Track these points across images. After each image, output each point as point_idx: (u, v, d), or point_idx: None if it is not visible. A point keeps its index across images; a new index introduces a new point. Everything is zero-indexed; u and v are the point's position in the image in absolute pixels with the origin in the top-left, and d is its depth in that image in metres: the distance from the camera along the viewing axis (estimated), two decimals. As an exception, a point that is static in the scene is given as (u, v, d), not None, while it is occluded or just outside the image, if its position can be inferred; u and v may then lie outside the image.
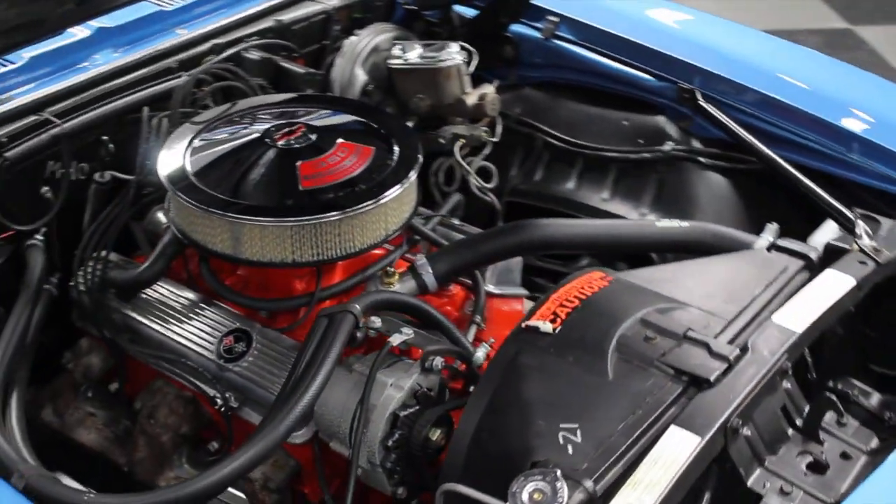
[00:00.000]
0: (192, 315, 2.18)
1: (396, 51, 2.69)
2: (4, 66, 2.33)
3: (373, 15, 2.92)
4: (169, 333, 2.16)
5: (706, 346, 1.77)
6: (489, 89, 2.67)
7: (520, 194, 2.80)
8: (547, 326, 1.83)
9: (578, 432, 1.65)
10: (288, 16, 2.75)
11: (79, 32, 2.44)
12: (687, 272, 2.04)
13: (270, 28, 2.70)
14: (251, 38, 2.63)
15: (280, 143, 2.17)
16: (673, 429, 1.64)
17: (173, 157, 2.17)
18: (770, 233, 2.14)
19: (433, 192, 2.77)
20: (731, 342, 1.79)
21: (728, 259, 2.09)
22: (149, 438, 2.20)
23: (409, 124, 2.73)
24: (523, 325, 1.85)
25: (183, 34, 2.59)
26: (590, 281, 1.95)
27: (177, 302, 2.21)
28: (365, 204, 2.05)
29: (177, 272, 2.28)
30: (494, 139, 2.70)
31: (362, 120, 2.32)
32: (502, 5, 2.79)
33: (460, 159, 2.67)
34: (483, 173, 2.75)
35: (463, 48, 2.66)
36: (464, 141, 2.68)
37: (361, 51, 2.73)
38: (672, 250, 2.28)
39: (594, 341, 1.79)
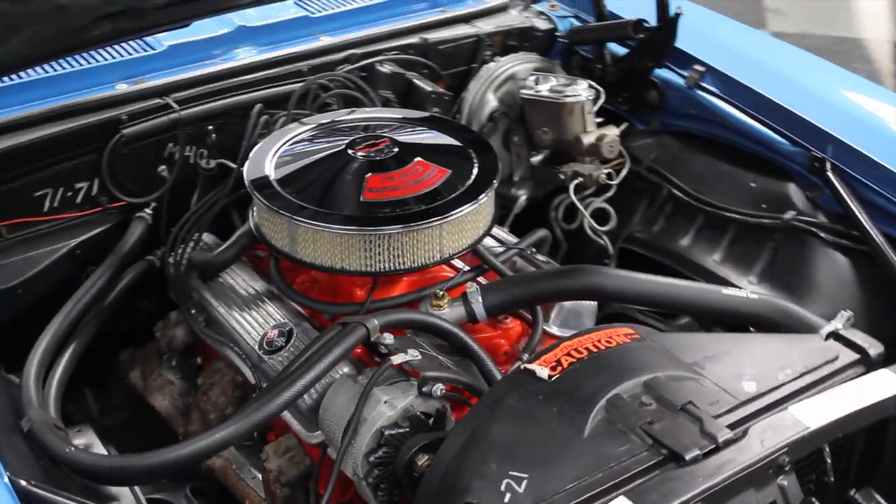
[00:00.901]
0: (255, 305, 2.27)
1: (530, 81, 2.69)
2: (145, 51, 2.53)
3: (530, 45, 2.92)
4: (230, 319, 2.27)
5: (700, 422, 1.67)
6: (611, 131, 2.62)
7: (635, 242, 2.71)
8: (543, 372, 1.79)
9: (525, 482, 1.60)
10: (435, 35, 2.81)
11: (221, 29, 2.60)
12: (728, 344, 1.92)
13: (413, 45, 2.76)
14: (390, 53, 2.71)
15: (359, 153, 2.23)
16: (621, 499, 1.57)
17: (261, 155, 2.28)
18: (840, 320, 1.96)
19: (553, 227, 2.75)
20: (732, 425, 1.67)
21: (778, 339, 1.96)
22: (201, 414, 2.32)
23: (538, 157, 2.72)
24: (522, 366, 1.81)
25: (325, 41, 2.70)
26: (611, 335, 1.88)
27: (246, 291, 2.31)
28: (415, 224, 2.07)
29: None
30: (613, 182, 2.65)
31: (452, 142, 2.34)
32: (648, 48, 2.71)
33: (574, 198, 2.64)
34: (601, 215, 2.70)
35: (591, 86, 2.62)
36: (581, 179, 2.64)
37: (497, 76, 2.75)
38: (733, 321, 2.14)
39: (585, 396, 1.73)
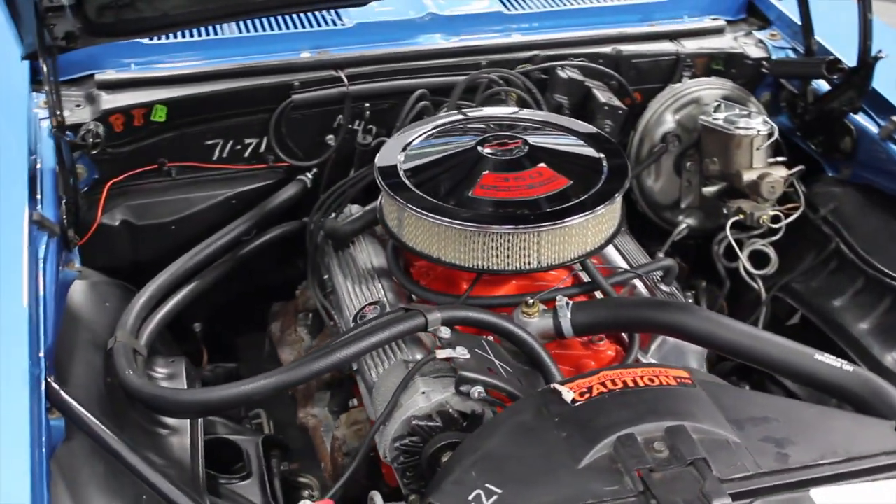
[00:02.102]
0: (367, 279, 2.33)
1: (711, 107, 2.58)
2: (335, 25, 2.66)
3: (737, 71, 2.79)
4: (343, 288, 2.36)
5: (703, 481, 1.57)
6: (777, 172, 2.47)
7: (789, 293, 2.54)
8: (569, 395, 1.74)
9: (494, 497, 1.58)
10: (631, 48, 2.75)
11: (412, 14, 2.69)
12: (786, 412, 1.78)
13: (604, 55, 2.72)
14: (577, 59, 2.68)
15: (486, 150, 2.25)
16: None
17: (398, 141, 2.35)
18: None
19: (715, 262, 2.63)
20: (738, 494, 1.56)
21: (844, 417, 1.80)
22: None
23: (712, 189, 2.61)
24: (552, 385, 1.78)
25: (515, 38, 2.72)
26: (659, 374, 1.79)
27: (365, 264, 2.38)
28: (509, 227, 2.07)
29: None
30: (775, 226, 2.50)
31: (589, 154, 2.29)
32: (844, 91, 2.51)
33: (729, 234, 2.52)
34: (762, 257, 2.55)
35: (766, 122, 2.48)
36: (742, 217, 2.51)
37: (680, 97, 2.65)
38: (819, 389, 1.96)
39: (598, 428, 1.67)
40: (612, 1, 2.88)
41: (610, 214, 2.20)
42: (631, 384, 1.76)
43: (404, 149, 2.31)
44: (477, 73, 2.57)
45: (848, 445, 1.67)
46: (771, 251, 2.55)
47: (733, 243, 2.52)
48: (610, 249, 2.40)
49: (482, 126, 2.37)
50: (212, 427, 2.23)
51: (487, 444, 1.72)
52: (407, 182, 2.20)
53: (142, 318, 2.17)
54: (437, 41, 2.70)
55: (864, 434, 1.71)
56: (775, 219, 2.53)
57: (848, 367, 1.92)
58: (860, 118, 2.54)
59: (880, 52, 2.43)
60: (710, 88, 2.66)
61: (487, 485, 1.60)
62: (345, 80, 2.56)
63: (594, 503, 1.55)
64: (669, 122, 2.65)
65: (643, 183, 2.69)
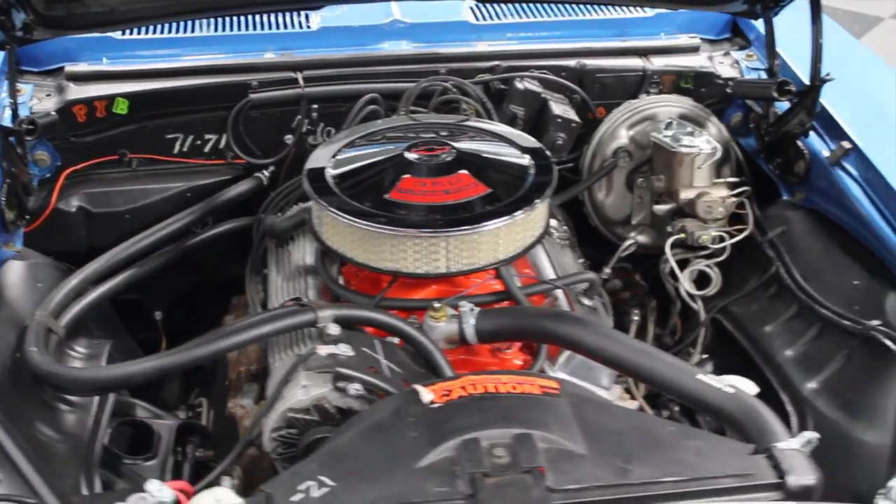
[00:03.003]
0: (297, 276, 2.37)
1: (663, 125, 2.56)
2: (301, 28, 2.73)
3: (707, 91, 2.76)
4: (273, 283, 2.41)
5: (532, 490, 1.58)
6: (716, 192, 2.44)
7: (727, 316, 2.50)
8: (427, 397, 1.76)
9: (325, 490, 1.60)
10: (596, 62, 2.74)
11: (376, 20, 2.73)
12: (646, 428, 1.77)
13: (568, 68, 2.72)
14: (539, 71, 2.69)
15: (412, 155, 2.27)
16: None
17: (337, 142, 2.39)
18: (800, 440, 1.73)
19: (664, 281, 2.62)
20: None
21: (705, 438, 1.78)
22: (236, 367, 2.49)
23: (664, 207, 2.59)
24: (413, 386, 1.80)
25: (479, 47, 2.74)
26: (525, 381, 1.80)
27: (298, 262, 2.43)
28: (412, 230, 2.10)
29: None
30: (713, 246, 2.48)
31: (518, 164, 2.30)
32: (794, 113, 2.47)
33: (669, 254, 2.50)
34: (703, 278, 2.53)
35: (709, 142, 2.46)
36: (682, 236, 2.49)
37: (635, 113, 2.64)
38: (697, 408, 1.94)
39: (447, 430, 1.68)
40: (588, 15, 2.87)
41: (526, 225, 2.20)
42: (492, 390, 1.77)
43: (338, 152, 2.35)
44: (428, 79, 2.60)
45: (696, 466, 1.65)
46: (714, 272, 2.53)
47: (673, 263, 2.50)
48: (542, 260, 2.41)
49: (424, 132, 2.40)
50: (131, 410, 2.31)
51: (338, 439, 1.76)
52: (330, 183, 2.24)
53: (69, 299, 2.26)
54: (402, 48, 2.74)
55: (717, 455, 1.69)
56: (719, 239, 2.50)
57: (729, 388, 1.89)
58: (818, 142, 2.50)
59: (828, 74, 2.39)
60: (667, 106, 2.64)
61: (322, 477, 1.62)
62: (301, 81, 2.62)
63: (418, 502, 1.57)
64: (623, 138, 2.64)
65: (594, 197, 2.69)
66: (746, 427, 1.83)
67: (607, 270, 2.65)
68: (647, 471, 1.64)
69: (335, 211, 2.16)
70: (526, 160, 2.31)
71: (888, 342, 2.10)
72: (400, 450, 1.68)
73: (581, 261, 2.59)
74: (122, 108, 2.59)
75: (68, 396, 2.09)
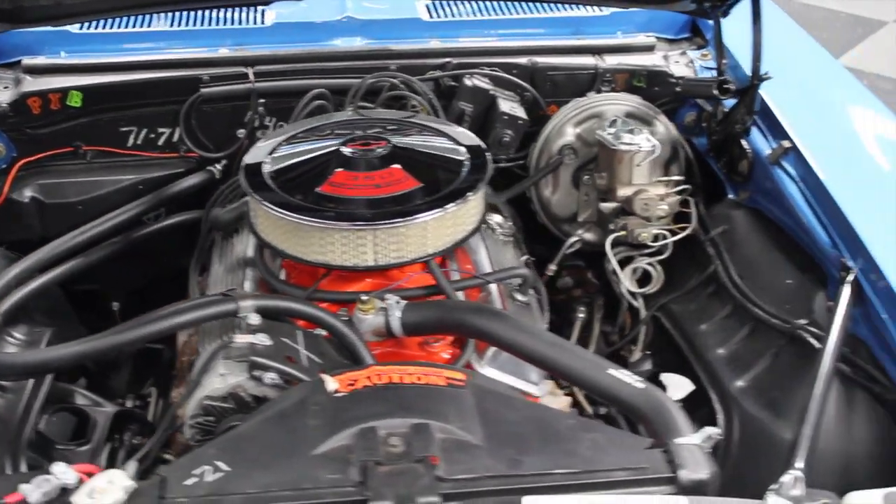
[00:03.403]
0: (237, 268, 2.40)
1: (608, 123, 2.57)
2: (255, 24, 2.76)
3: (660, 89, 2.77)
4: (213, 275, 2.45)
5: (421, 478, 1.59)
6: (654, 190, 2.45)
7: (666, 314, 2.50)
8: (331, 386, 1.78)
9: (219, 475, 1.62)
10: (548, 60, 2.75)
11: (329, 16, 2.76)
12: (547, 420, 1.78)
13: (519, 66, 2.73)
14: (490, 68, 2.70)
15: (347, 149, 2.30)
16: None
17: (277, 137, 2.42)
18: (700, 436, 1.73)
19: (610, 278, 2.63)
20: (451, 494, 1.57)
21: (604, 432, 1.78)
22: (181, 357, 2.52)
23: (611, 206, 2.60)
24: (321, 375, 1.82)
25: (432, 44, 2.76)
26: (430, 373, 1.82)
27: (239, 254, 2.45)
28: (338, 223, 2.12)
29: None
30: (652, 244, 2.48)
31: (453, 160, 2.32)
32: (736, 111, 2.48)
33: (609, 251, 2.51)
34: (648, 275, 2.54)
35: (649, 140, 2.46)
36: (623, 234, 2.50)
37: (582, 111, 2.65)
38: (612, 403, 1.96)
39: (347, 419, 1.70)
40: (544, 13, 2.88)
41: (456, 219, 2.22)
42: (397, 381, 1.80)
43: (277, 146, 2.38)
44: (374, 75, 2.62)
45: (590, 458, 1.66)
46: (655, 270, 2.53)
47: (613, 260, 2.50)
48: (481, 255, 2.43)
49: (367, 128, 2.42)
50: (69, 396, 2.35)
51: (242, 426, 1.78)
52: (266, 177, 2.27)
53: (10, 287, 2.30)
54: (356, 44, 2.76)
55: (612, 449, 1.70)
56: (661, 237, 2.51)
57: (640, 384, 1.91)
58: (763, 142, 2.50)
59: (766, 73, 2.39)
60: (614, 104, 2.64)
61: (218, 462, 1.65)
62: (251, 76, 2.65)
63: (310, 488, 1.59)
64: (569, 136, 2.64)
65: (541, 194, 2.70)
66: (653, 421, 1.83)
67: (552, 267, 2.67)
68: (539, 462, 1.65)
69: (267, 204, 2.18)
70: (462, 156, 2.33)
71: (813, 341, 2.10)
72: (298, 437, 1.70)
73: (525, 257, 2.61)
74: (76, 100, 2.63)
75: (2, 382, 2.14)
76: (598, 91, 2.73)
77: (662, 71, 2.77)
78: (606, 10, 2.86)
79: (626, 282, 2.53)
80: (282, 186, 2.24)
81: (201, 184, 2.69)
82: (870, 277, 2.06)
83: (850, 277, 2.08)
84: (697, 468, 1.64)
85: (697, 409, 2.24)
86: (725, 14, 2.57)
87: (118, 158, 2.71)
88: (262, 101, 2.67)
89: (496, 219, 2.62)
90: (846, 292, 2.06)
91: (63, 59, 2.71)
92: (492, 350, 2.20)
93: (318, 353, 2.07)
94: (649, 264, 2.55)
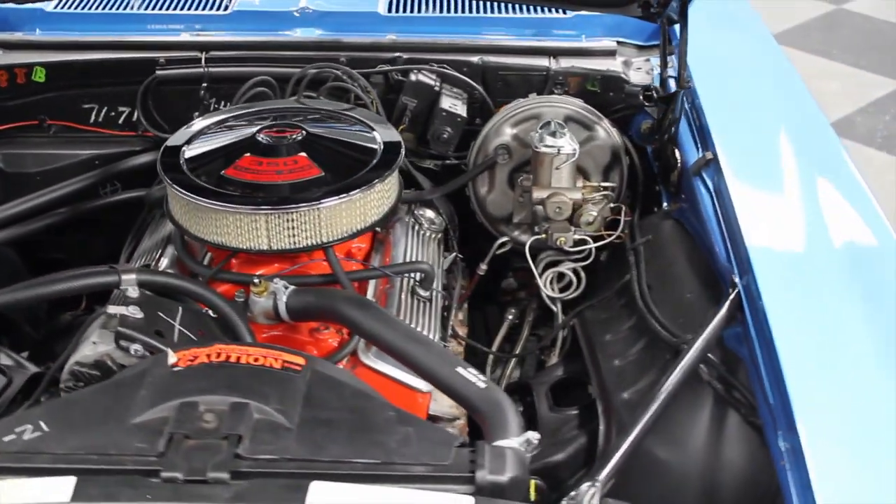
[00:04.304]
0: (163, 245, 2.48)
1: (542, 125, 2.55)
2: (217, 10, 2.84)
3: (615, 95, 2.73)
4: (139, 250, 2.53)
5: (218, 455, 1.63)
6: (570, 194, 2.43)
7: (581, 321, 2.47)
8: (171, 359, 1.83)
9: (36, 434, 1.68)
10: (499, 60, 2.75)
11: (287, 6, 2.82)
12: (367, 412, 1.79)
13: (470, 63, 2.73)
14: (439, 65, 2.71)
15: (260, 136, 2.35)
16: (67, 478, 1.60)
17: (203, 122, 2.49)
18: (518, 440, 1.73)
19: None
20: (242, 472, 1.60)
21: (419, 427, 1.77)
22: None
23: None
24: (166, 350, 1.87)
25: (389, 38, 2.78)
26: (270, 355, 1.84)
27: (164, 230, 2.53)
28: (227, 205, 2.18)
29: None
30: (568, 248, 2.47)
31: (367, 152, 2.35)
32: (663, 120, 2.43)
33: (528, 255, 2.52)
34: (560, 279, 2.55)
35: (570, 144, 2.44)
36: (541, 237, 2.49)
37: (519, 112, 2.63)
38: (456, 401, 1.96)
39: (173, 392, 1.75)
40: (507, 13, 2.88)
41: (351, 211, 2.24)
42: (234, 360, 1.83)
43: (202, 130, 2.45)
44: (317, 65, 2.66)
45: (394, 451, 1.67)
46: (575, 276, 2.51)
47: (531, 263, 2.50)
48: (398, 249, 2.46)
49: (294, 117, 2.47)
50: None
51: (79, 392, 1.85)
52: (180, 158, 2.34)
53: None
54: (310, 34, 2.81)
55: (421, 444, 1.70)
56: (581, 243, 2.48)
57: (482, 384, 1.91)
58: (695, 152, 2.45)
59: (688, 82, 2.35)
60: (554, 106, 2.62)
61: (41, 422, 1.71)
62: (203, 61, 2.73)
63: (114, 454, 1.64)
64: (506, 136, 2.63)
65: (478, 193, 2.69)
66: (487, 420, 1.84)
67: (483, 267, 2.67)
68: (342, 450, 1.67)
69: (172, 184, 2.25)
70: (375, 150, 2.36)
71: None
72: (123, 406, 1.75)
73: (452, 255, 2.62)
74: (40, 76, 2.75)
75: None
76: (550, 93, 2.72)
77: (618, 76, 2.73)
78: (570, 13, 2.84)
79: (543, 286, 2.51)
80: (192, 168, 2.31)
81: (152, 162, 2.76)
82: (751, 296, 2.00)
83: (732, 294, 2.03)
84: (499, 470, 1.63)
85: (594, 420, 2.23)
86: (671, 21, 2.53)
87: (79, 134, 2.82)
88: (214, 86, 2.74)
89: (428, 214, 2.64)
90: (724, 308, 2.02)
91: (35, 36, 2.84)
92: (375, 339, 2.22)
93: (197, 329, 2.13)
94: (573, 270, 2.52)
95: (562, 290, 2.58)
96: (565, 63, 2.75)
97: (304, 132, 2.36)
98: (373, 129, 2.43)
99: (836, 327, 1.89)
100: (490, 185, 2.68)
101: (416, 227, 2.60)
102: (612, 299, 2.46)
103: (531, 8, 2.85)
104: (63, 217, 2.65)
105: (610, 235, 2.51)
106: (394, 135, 2.43)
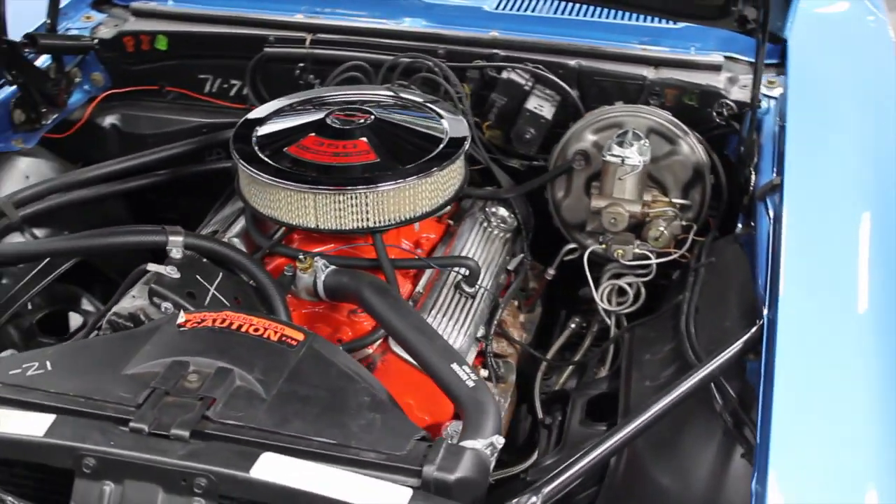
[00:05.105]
0: (237, 213, 2.59)
1: (618, 134, 2.50)
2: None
3: (711, 111, 2.63)
4: (220, 214, 2.64)
5: (187, 411, 1.70)
6: (629, 207, 2.36)
7: (632, 336, 2.40)
8: (179, 319, 1.92)
9: (40, 371, 1.82)
10: (594, 65, 2.70)
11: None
12: (346, 395, 1.82)
13: (566, 66, 2.69)
14: (534, 65, 2.69)
15: (329, 118, 2.41)
16: (46, 416, 1.71)
17: (284, 100, 2.58)
18: (483, 442, 1.72)
19: None
20: (199, 433, 1.67)
21: (387, 414, 1.79)
22: None
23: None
24: (180, 310, 1.97)
25: (492, 35, 2.79)
26: (272, 328, 1.91)
27: None
28: (280, 181, 2.25)
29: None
30: (626, 262, 2.42)
31: (431, 140, 2.38)
32: (740, 140, 2.33)
33: (586, 266, 2.47)
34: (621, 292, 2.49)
35: (641, 155, 2.38)
36: (602, 248, 2.45)
37: (602, 119, 2.57)
38: (447, 396, 1.94)
39: (171, 350, 1.85)
40: (616, 19, 2.82)
41: (398, 199, 2.27)
42: (235, 327, 1.91)
43: (282, 108, 2.54)
44: (409, 55, 2.69)
45: (354, 435, 1.71)
46: (631, 289, 2.45)
47: (588, 274, 2.45)
48: (460, 242, 2.48)
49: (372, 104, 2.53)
50: (76, 299, 2.65)
51: (94, 338, 1.97)
52: (253, 131, 2.44)
53: (41, 195, 2.60)
54: (418, 25, 2.85)
55: (383, 432, 1.72)
56: (643, 257, 2.42)
57: (472, 382, 1.91)
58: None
59: (757, 100, 2.25)
60: (638, 116, 2.54)
61: (48, 361, 1.85)
62: (307, 43, 2.82)
63: (98, 400, 1.75)
64: (586, 142, 2.58)
65: (555, 197, 2.66)
66: (469, 418, 1.84)
67: (551, 271, 2.64)
68: (305, 427, 1.72)
69: (235, 154, 2.35)
70: (438, 143, 2.38)
71: (715, 391, 1.98)
72: (124, 357, 1.85)
73: (520, 256, 2.61)
74: (162, 44, 2.93)
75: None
76: (645, 103, 2.65)
77: (716, 92, 2.61)
78: (680, 24, 2.76)
79: (597, 297, 2.46)
80: (261, 142, 2.40)
81: None
82: (771, 332, 1.90)
83: (757, 325, 1.94)
84: (448, 468, 1.64)
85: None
86: (775, 38, 2.42)
87: (193, 102, 2.97)
88: (316, 67, 2.82)
89: (501, 213, 2.64)
90: (744, 337, 1.93)
91: (164, 6, 3.01)
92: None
93: (233, 297, 2.22)
94: (629, 284, 2.46)
95: (621, 304, 2.51)
96: (665, 74, 2.67)
97: (372, 118, 2.41)
98: (442, 122, 2.45)
99: (840, 387, 1.77)
100: (567, 191, 2.64)
101: (485, 224, 2.60)
102: (665, 319, 2.38)
103: (640, 16, 2.79)
104: (165, 178, 2.79)
105: (672, 253, 2.43)
106: (463, 129, 2.44)
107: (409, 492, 1.61)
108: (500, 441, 1.73)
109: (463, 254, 2.46)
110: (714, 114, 2.40)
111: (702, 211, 2.56)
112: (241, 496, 1.64)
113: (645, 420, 1.85)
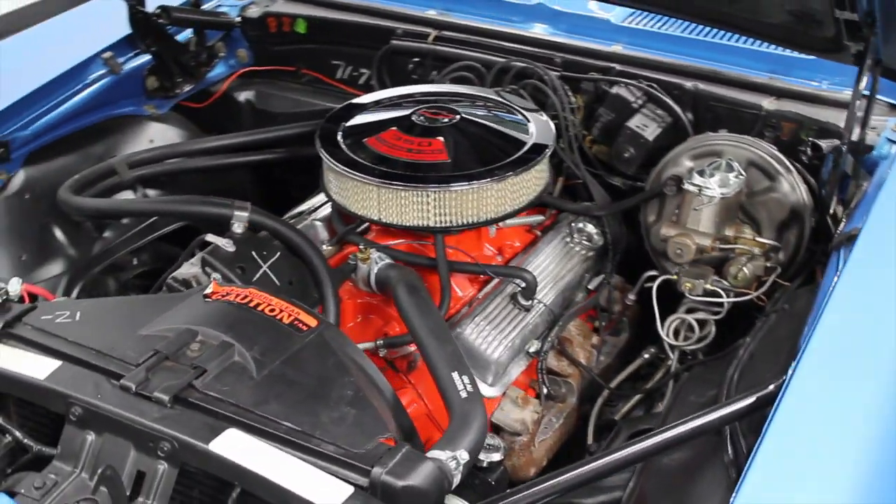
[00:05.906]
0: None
1: (710, 163, 2.37)
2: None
3: (832, 152, 2.45)
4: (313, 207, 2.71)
5: (176, 377, 1.78)
6: (699, 239, 2.25)
7: (690, 373, 2.28)
8: (206, 290, 2.00)
9: (67, 320, 1.95)
10: (711, 89, 2.57)
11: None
12: (331, 386, 1.84)
13: (682, 88, 2.58)
14: (648, 84, 2.60)
15: (414, 115, 2.43)
16: (59, 363, 1.83)
17: (371, 97, 2.63)
18: (446, 454, 1.69)
19: None
20: (182, 400, 1.74)
21: (362, 409, 1.79)
22: None
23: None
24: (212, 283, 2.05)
25: (614, 49, 2.72)
26: (287, 310, 1.96)
27: None
28: (347, 170, 2.28)
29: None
30: (691, 297, 2.30)
31: (509, 148, 2.35)
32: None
33: (654, 298, 2.38)
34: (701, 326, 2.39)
35: (723, 188, 2.26)
36: (673, 278, 2.34)
37: (703, 146, 2.45)
38: (441, 396, 1.92)
39: (191, 318, 1.92)
40: (745, 44, 2.68)
41: (458, 202, 2.26)
42: (252, 305, 1.96)
43: (382, 100, 2.58)
44: (516, 59, 2.67)
45: (321, 425, 1.73)
46: (695, 324, 2.33)
47: (655, 305, 2.35)
48: (534, 254, 2.45)
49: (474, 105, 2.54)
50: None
51: (130, 297, 2.07)
52: (337, 126, 2.49)
53: (156, 158, 2.73)
54: (544, 31, 2.82)
55: (351, 429, 1.73)
56: (713, 294, 2.29)
57: (465, 393, 1.88)
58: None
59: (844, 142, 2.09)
60: (739, 146, 2.40)
61: (79, 312, 1.97)
62: (430, 39, 2.84)
63: (105, 353, 1.85)
64: (682, 167, 2.46)
65: (646, 220, 2.55)
66: (450, 428, 1.82)
67: (631, 297, 2.55)
68: (279, 410, 1.75)
69: (317, 138, 2.41)
70: (518, 152, 2.34)
71: (729, 445, 1.86)
72: (147, 318, 1.94)
73: (601, 276, 2.54)
74: (301, 27, 3.03)
75: None
76: (759, 135, 2.50)
77: (834, 130, 2.44)
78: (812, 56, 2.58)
79: (661, 330, 2.35)
80: (349, 130, 2.44)
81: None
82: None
83: (775, 384, 1.80)
84: (399, 474, 1.63)
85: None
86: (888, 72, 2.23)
87: (324, 86, 3.06)
88: (435, 63, 2.85)
89: (588, 229, 2.57)
90: (759, 393, 1.81)
91: (311, -9, 3.12)
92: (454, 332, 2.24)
93: (288, 277, 2.28)
94: (696, 319, 2.34)
95: (688, 339, 2.40)
96: (785, 106, 2.52)
97: (457, 118, 2.40)
98: (528, 130, 2.42)
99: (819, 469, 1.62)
100: (658, 215, 2.54)
101: (567, 239, 2.55)
102: (722, 361, 2.25)
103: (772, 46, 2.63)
104: (284, 155, 2.89)
105: (748, 294, 2.29)
106: (549, 138, 2.40)
107: (350, 490, 1.62)
108: (464, 456, 1.70)
109: (532, 267, 2.42)
110: (806, 154, 2.24)
111: (797, 255, 2.40)
112: (198, 466, 1.69)
113: (632, 453, 1.78)
